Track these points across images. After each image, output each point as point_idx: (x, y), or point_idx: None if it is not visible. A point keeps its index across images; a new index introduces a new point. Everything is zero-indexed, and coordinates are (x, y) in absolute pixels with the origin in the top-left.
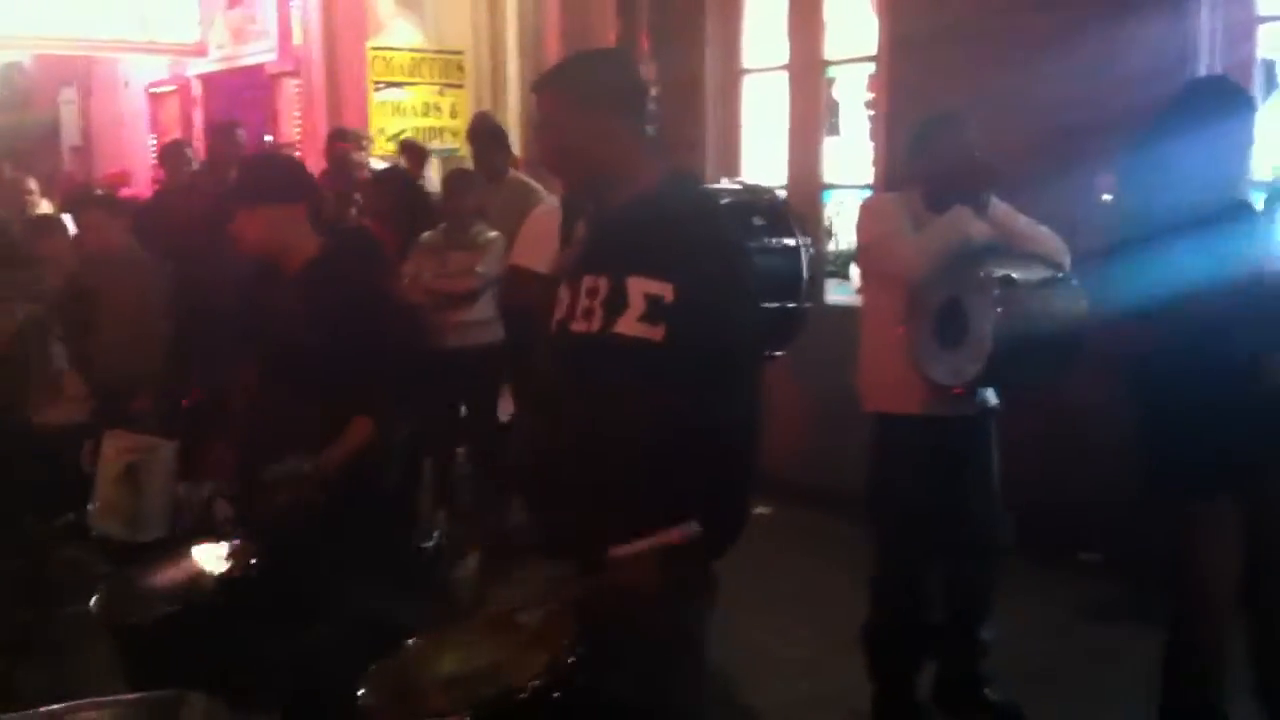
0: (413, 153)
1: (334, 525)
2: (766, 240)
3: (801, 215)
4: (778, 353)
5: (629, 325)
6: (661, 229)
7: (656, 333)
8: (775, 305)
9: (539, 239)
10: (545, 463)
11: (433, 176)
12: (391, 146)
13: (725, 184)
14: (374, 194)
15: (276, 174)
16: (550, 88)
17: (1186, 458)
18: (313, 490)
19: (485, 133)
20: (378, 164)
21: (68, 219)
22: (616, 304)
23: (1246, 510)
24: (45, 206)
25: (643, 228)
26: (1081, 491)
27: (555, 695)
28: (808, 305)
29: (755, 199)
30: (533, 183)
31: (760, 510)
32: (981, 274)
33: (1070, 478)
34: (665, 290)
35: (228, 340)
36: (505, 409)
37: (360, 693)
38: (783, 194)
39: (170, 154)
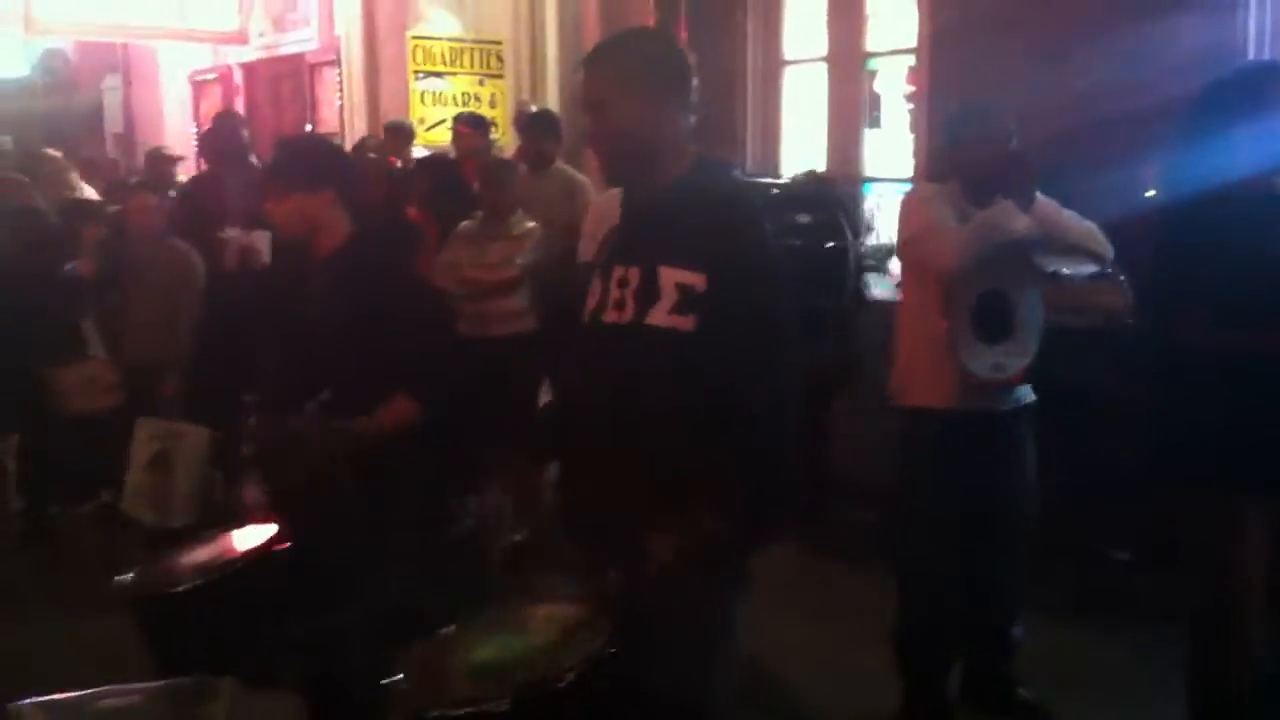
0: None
1: (364, 509)
2: (810, 237)
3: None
4: (821, 352)
5: (661, 316)
6: (694, 218)
7: (688, 323)
8: (815, 303)
9: (596, 232)
10: (578, 453)
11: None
12: (431, 136)
13: (776, 179)
14: (414, 182)
15: (306, 160)
16: (601, 64)
17: (1218, 449)
18: (344, 449)
19: (538, 121)
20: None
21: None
22: (648, 294)
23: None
24: (88, 191)
25: (675, 217)
26: (1112, 488)
27: (590, 687)
28: (851, 306)
29: (803, 194)
30: (577, 174)
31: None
32: (1028, 269)
33: (1101, 474)
34: (697, 280)
35: (258, 329)
36: (544, 398)
37: (396, 678)
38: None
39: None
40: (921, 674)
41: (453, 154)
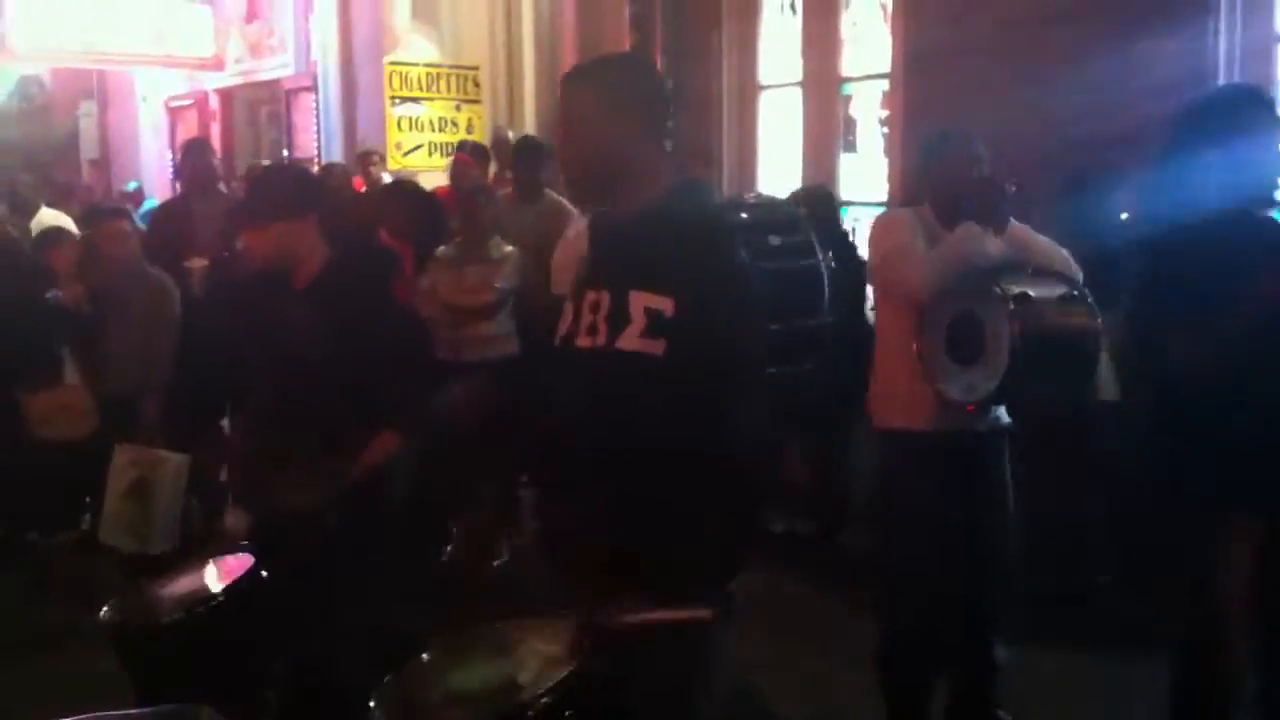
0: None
1: (342, 536)
2: (784, 260)
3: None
4: (799, 369)
5: (631, 340)
6: (663, 243)
7: (657, 347)
8: (795, 324)
9: (567, 264)
10: (556, 479)
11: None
12: (408, 161)
13: (745, 200)
14: (389, 207)
15: (284, 189)
16: (584, 83)
17: (1210, 473)
18: (331, 491)
19: (529, 149)
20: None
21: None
22: (619, 319)
23: (1264, 524)
24: (65, 219)
25: (645, 242)
26: (1094, 511)
27: (566, 713)
28: (829, 322)
29: (773, 216)
30: (567, 203)
31: (776, 528)
32: (997, 290)
33: (1083, 497)
34: (665, 305)
35: (235, 354)
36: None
37: (370, 705)
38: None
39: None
40: (903, 695)
41: (447, 182)
